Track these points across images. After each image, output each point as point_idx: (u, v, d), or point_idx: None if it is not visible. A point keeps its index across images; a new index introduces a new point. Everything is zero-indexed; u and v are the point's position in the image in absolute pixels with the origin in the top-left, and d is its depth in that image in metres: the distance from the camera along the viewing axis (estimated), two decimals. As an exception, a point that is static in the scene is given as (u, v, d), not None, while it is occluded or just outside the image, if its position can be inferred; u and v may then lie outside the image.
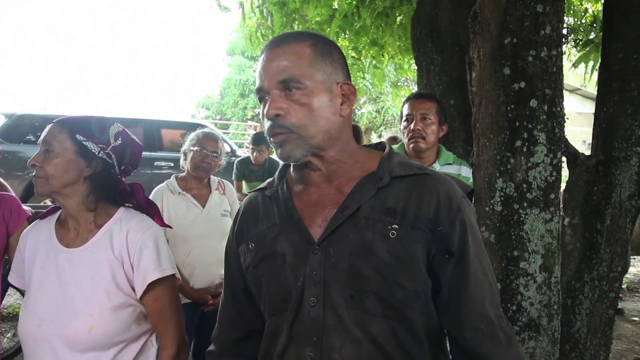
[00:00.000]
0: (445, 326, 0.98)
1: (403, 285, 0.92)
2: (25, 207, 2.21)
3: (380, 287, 0.92)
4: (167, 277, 1.43)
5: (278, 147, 0.97)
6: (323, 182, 1.02)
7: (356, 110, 17.88)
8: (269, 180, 1.13)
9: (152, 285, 1.40)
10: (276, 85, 0.96)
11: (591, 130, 2.82)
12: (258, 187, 1.15)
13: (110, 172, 1.47)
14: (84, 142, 1.42)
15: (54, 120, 1.45)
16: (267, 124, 0.97)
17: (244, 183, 4.57)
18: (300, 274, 0.96)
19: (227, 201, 2.64)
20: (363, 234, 0.94)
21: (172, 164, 6.53)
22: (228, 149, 6.78)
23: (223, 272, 1.20)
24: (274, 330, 1.01)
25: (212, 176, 2.65)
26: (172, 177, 2.58)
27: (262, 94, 0.99)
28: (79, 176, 1.42)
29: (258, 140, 4.42)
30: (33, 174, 1.41)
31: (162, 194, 2.48)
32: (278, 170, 1.12)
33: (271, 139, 0.98)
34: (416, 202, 0.95)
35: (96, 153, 1.44)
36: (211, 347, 1.19)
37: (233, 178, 4.58)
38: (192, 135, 2.58)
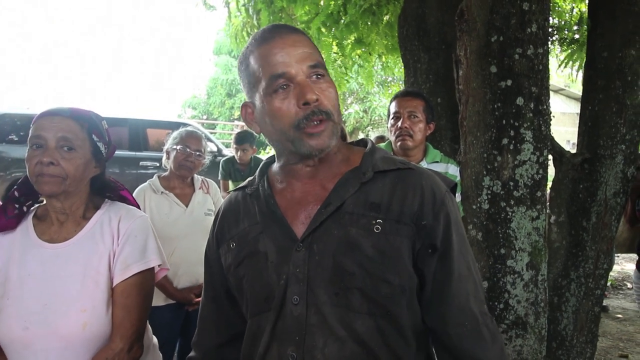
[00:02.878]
0: (429, 322, 0.97)
1: (388, 281, 0.91)
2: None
3: (365, 283, 0.90)
4: (148, 269, 1.39)
5: (314, 137, 0.92)
6: (309, 178, 1.00)
7: (343, 110, 17.89)
8: (249, 179, 1.10)
9: (131, 277, 1.35)
10: (306, 70, 0.93)
11: (575, 130, 2.83)
12: (238, 187, 1.12)
13: (105, 168, 1.45)
14: (97, 143, 1.38)
15: (66, 114, 1.33)
16: (300, 111, 0.92)
17: (230, 182, 4.54)
18: (284, 272, 0.94)
19: (210, 200, 2.61)
20: (347, 229, 0.92)
21: (158, 164, 6.45)
22: (214, 149, 6.75)
23: None
24: (255, 331, 0.99)
25: (195, 175, 2.62)
26: (155, 177, 2.54)
27: (282, 82, 0.92)
28: (88, 176, 1.38)
29: (241, 139, 4.39)
30: (40, 170, 1.27)
31: (145, 194, 2.45)
32: (259, 168, 1.10)
33: (306, 128, 0.92)
34: (400, 197, 0.94)
35: (104, 154, 1.41)
36: (192, 354, 1.16)
37: (219, 178, 4.54)
38: (175, 134, 2.55)
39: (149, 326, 1.59)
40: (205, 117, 22.53)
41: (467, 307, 0.94)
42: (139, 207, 1.54)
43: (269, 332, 0.94)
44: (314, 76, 0.93)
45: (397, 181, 0.96)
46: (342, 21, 4.26)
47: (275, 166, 1.07)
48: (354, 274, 0.90)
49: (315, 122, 0.92)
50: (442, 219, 0.94)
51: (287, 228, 0.96)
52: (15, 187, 1.41)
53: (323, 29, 4.40)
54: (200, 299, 2.39)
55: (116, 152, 1.53)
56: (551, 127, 2.33)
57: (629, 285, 6.29)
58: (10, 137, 6.24)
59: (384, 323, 0.91)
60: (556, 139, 2.64)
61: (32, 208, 1.43)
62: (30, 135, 1.30)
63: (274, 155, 1.13)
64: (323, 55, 1.04)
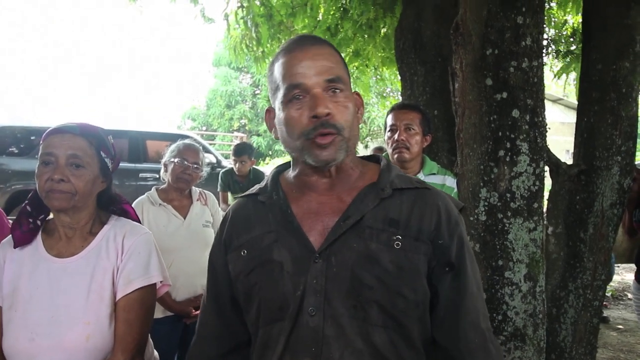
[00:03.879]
0: (440, 339, 0.98)
1: (405, 296, 0.93)
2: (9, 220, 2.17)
3: (383, 297, 0.92)
4: (150, 285, 1.42)
5: (322, 148, 0.95)
6: (326, 190, 1.01)
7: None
8: (258, 186, 1.10)
9: (134, 292, 1.38)
10: (322, 83, 0.95)
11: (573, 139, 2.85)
12: (247, 193, 1.11)
13: (112, 183, 1.49)
14: (105, 159, 1.42)
15: (76, 131, 1.37)
16: (310, 122, 0.94)
17: (229, 194, 4.54)
18: (301, 283, 0.94)
19: (208, 212, 2.62)
20: (367, 243, 0.94)
21: (157, 176, 6.45)
22: (213, 160, 6.76)
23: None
24: (267, 341, 0.98)
25: (193, 187, 2.63)
26: (153, 189, 2.56)
27: (298, 92, 0.95)
28: (96, 191, 1.42)
29: (240, 151, 4.41)
30: (50, 186, 1.31)
31: (143, 206, 2.45)
32: (270, 176, 1.10)
33: (316, 138, 0.94)
34: (418, 215, 0.97)
35: (110, 170, 1.46)
36: None
37: (218, 189, 4.56)
38: (173, 146, 2.57)
39: (151, 341, 1.60)
40: (204, 128, 22.60)
41: (478, 325, 0.98)
42: (139, 221, 1.57)
43: (283, 342, 0.94)
44: (331, 90, 0.95)
45: (414, 200, 0.99)
46: (339, 36, 4.29)
47: (290, 175, 1.07)
48: (372, 288, 0.92)
49: (323, 134, 0.94)
50: (457, 239, 0.98)
51: (303, 238, 0.96)
52: (26, 201, 1.44)
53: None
54: (198, 312, 2.40)
55: (115, 164, 1.56)
56: (550, 137, 2.34)
57: (630, 296, 6.27)
58: (10, 149, 6.26)
59: (395, 335, 0.93)
60: (555, 148, 2.66)
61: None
62: (40, 152, 1.35)
63: (284, 163, 1.14)
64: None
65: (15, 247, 1.39)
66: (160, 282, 1.48)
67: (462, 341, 0.96)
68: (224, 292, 1.08)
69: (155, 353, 1.63)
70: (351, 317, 0.92)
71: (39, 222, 1.43)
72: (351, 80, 5.13)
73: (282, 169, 1.12)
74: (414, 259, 0.93)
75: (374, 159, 1.11)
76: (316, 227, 0.98)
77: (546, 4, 3.77)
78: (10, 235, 1.43)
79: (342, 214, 0.96)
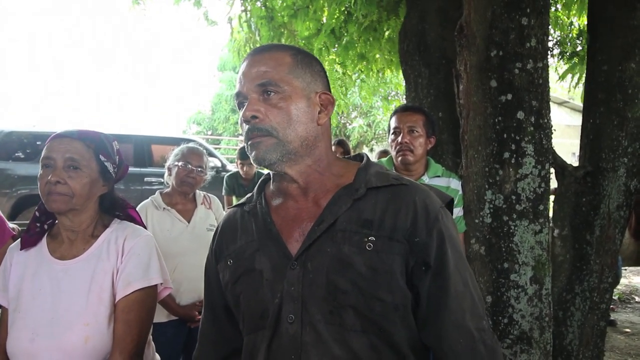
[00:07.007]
0: (424, 339, 0.95)
1: (382, 299, 0.90)
2: (11, 225, 2.17)
3: (358, 301, 0.90)
4: (150, 287, 1.42)
5: (253, 149, 0.96)
6: (300, 195, 1.01)
7: (347, 124, 17.93)
8: (248, 195, 1.12)
9: (133, 293, 1.39)
10: (254, 89, 0.96)
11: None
12: (237, 203, 1.13)
13: (114, 187, 1.51)
14: (105, 163, 1.44)
15: (74, 135, 1.41)
16: (245, 127, 0.97)
17: (234, 198, 4.55)
18: (278, 290, 0.94)
19: (213, 216, 2.61)
20: (340, 247, 0.92)
21: (163, 180, 6.48)
22: (218, 164, 6.77)
23: None
24: (252, 349, 0.98)
25: (197, 191, 2.63)
26: (157, 193, 2.56)
27: (241, 99, 0.99)
28: (95, 194, 1.44)
29: (245, 154, 4.41)
30: (49, 189, 1.34)
31: (147, 210, 2.45)
32: (257, 185, 1.11)
33: (248, 142, 0.97)
34: (393, 213, 0.94)
35: (112, 174, 1.47)
36: None
37: (223, 193, 4.56)
38: (177, 150, 2.57)
39: (152, 344, 1.60)
40: (210, 132, 22.65)
41: (463, 324, 0.92)
42: (145, 226, 1.58)
43: (265, 350, 0.94)
44: (265, 93, 0.96)
45: (390, 197, 0.96)
46: (344, 39, 4.29)
47: (271, 183, 1.08)
48: (347, 292, 0.90)
49: (253, 137, 0.96)
50: (436, 236, 0.93)
51: (282, 246, 0.96)
52: (36, 207, 1.49)
53: (324, 48, 4.44)
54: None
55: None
56: (556, 140, 2.33)
57: (637, 299, 6.23)
58: (16, 154, 6.30)
59: (376, 340, 0.91)
60: (561, 151, 2.65)
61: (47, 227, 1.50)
62: (41, 156, 1.38)
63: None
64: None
65: (21, 249, 1.44)
66: (161, 284, 1.48)
67: (446, 342, 0.92)
68: (218, 301, 1.10)
69: (157, 357, 1.63)
70: (327, 323, 0.90)
71: (45, 227, 1.47)
72: (355, 83, 5.10)
73: (268, 177, 1.12)
74: (388, 260, 0.90)
75: (359, 158, 1.09)
76: (294, 233, 0.97)
77: (551, 6, 3.76)
78: (19, 240, 1.47)
79: (317, 219, 0.95)
